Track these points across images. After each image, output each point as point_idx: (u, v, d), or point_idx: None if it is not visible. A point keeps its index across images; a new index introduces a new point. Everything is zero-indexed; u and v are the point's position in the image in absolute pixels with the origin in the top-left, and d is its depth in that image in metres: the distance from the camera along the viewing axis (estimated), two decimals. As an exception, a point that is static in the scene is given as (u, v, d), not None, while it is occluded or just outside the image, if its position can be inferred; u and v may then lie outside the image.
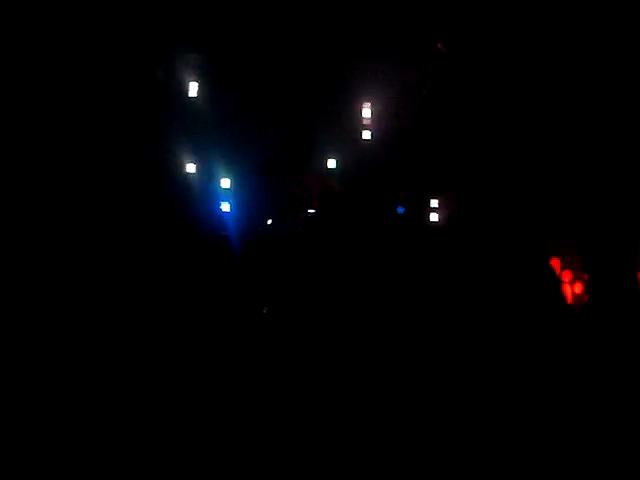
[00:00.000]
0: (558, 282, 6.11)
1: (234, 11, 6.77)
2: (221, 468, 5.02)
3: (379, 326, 6.04)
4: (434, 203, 6.99)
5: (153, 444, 5.16)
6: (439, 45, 6.77)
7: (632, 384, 5.26)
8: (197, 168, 6.85)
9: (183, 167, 6.82)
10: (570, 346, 5.65)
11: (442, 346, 5.71)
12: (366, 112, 6.97)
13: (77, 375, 5.56)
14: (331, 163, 6.94)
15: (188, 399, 5.53)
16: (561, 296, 5.89)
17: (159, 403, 5.42)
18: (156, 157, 6.77)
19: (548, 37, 6.64)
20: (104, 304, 6.08)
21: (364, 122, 6.96)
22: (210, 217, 6.78)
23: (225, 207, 6.81)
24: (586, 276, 6.43)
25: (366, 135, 7.00)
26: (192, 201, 6.77)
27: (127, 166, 6.64)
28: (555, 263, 6.68)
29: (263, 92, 6.95)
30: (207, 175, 6.87)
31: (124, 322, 6.01)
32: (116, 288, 6.22)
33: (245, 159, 6.94)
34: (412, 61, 6.84)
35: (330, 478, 4.96)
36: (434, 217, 6.98)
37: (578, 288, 6.71)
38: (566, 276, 6.75)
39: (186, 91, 6.87)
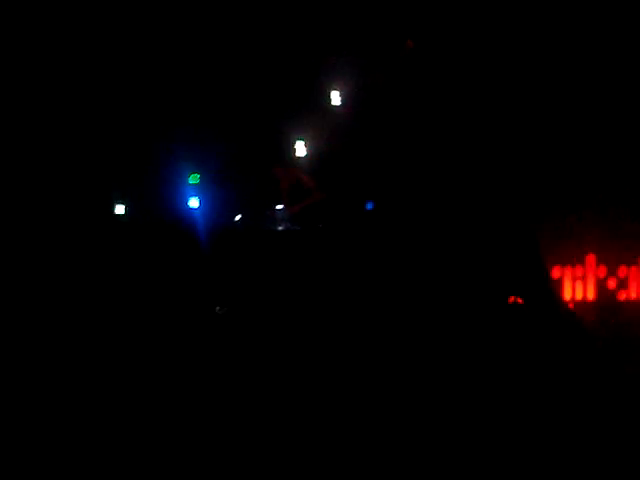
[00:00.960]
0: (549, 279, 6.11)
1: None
2: (217, 467, 5.00)
3: (353, 323, 6.05)
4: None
5: (146, 441, 5.14)
6: (408, 42, 6.76)
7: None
8: (166, 164, 6.76)
9: (151, 163, 6.74)
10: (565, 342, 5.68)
11: (428, 340, 5.72)
12: (335, 102, 6.92)
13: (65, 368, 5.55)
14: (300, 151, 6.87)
15: (160, 394, 5.51)
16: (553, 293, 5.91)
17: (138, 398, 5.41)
18: (125, 152, 6.70)
19: (535, 29, 6.64)
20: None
21: (334, 114, 6.93)
22: (179, 213, 6.71)
23: (193, 203, 6.75)
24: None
25: (333, 129, 6.95)
26: (161, 197, 6.69)
27: (95, 160, 6.58)
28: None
29: (231, 84, 6.90)
30: (176, 171, 6.79)
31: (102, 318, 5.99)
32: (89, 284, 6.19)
33: (213, 154, 6.89)
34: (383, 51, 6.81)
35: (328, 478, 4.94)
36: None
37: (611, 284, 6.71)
38: (601, 272, 6.72)
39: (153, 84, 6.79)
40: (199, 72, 6.87)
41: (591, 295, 6.65)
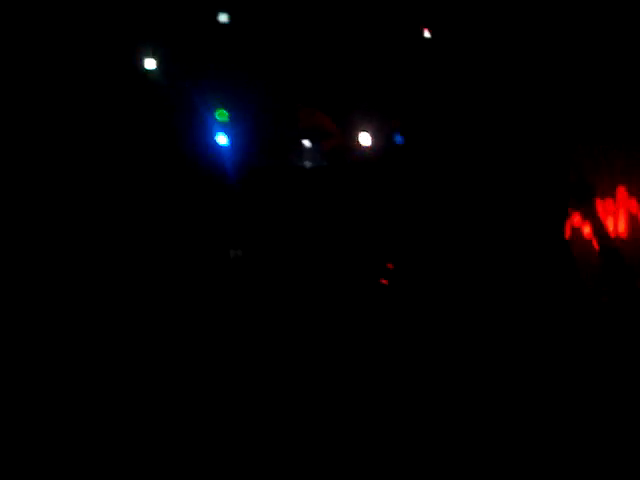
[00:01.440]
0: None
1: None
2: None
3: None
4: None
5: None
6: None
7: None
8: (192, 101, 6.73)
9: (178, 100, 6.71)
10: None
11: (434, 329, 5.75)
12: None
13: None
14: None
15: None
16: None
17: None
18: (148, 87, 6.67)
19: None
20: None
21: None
22: (207, 150, 6.71)
23: (222, 139, 6.73)
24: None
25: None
26: (187, 134, 6.69)
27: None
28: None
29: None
30: (203, 107, 6.76)
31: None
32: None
33: (240, 90, 6.84)
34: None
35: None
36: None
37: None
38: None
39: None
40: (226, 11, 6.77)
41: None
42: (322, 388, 5.49)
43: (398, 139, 6.83)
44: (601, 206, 6.56)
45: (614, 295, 5.66)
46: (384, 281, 6.15)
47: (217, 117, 6.75)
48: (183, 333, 5.90)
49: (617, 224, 6.54)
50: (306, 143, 6.74)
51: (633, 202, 6.59)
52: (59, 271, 6.01)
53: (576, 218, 6.45)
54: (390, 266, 6.19)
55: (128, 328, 5.85)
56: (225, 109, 6.77)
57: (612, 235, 6.28)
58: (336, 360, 5.66)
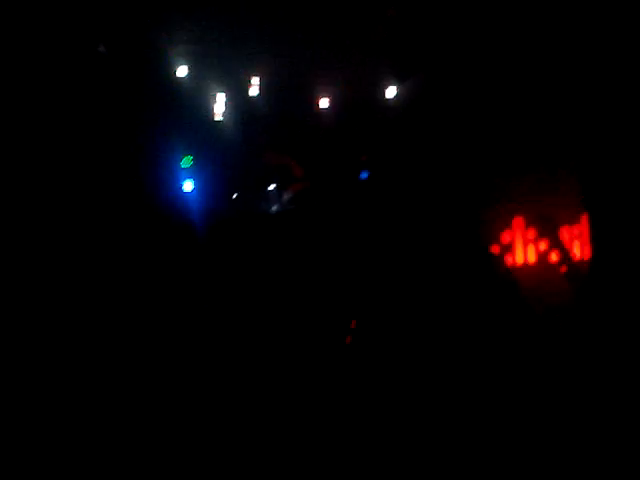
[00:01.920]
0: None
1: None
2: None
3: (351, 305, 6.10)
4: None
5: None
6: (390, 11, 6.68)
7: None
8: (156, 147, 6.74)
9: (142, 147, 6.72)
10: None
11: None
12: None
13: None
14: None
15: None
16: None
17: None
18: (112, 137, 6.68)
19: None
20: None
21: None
22: (172, 197, 6.72)
23: (188, 186, 6.75)
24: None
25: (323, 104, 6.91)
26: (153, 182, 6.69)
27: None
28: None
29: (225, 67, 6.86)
30: (167, 153, 6.78)
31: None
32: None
33: (205, 137, 6.87)
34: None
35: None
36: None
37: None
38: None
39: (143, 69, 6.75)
40: (189, 56, 6.81)
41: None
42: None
43: (363, 175, 6.87)
44: (568, 232, 6.67)
45: (583, 314, 5.82)
46: (348, 340, 6.22)
47: (182, 164, 6.77)
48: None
49: (583, 248, 6.64)
50: (271, 188, 6.77)
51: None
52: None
53: (542, 245, 6.59)
54: (353, 325, 6.27)
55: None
56: (190, 155, 6.80)
57: (578, 259, 6.48)
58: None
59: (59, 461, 5.09)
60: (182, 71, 6.82)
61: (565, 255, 6.51)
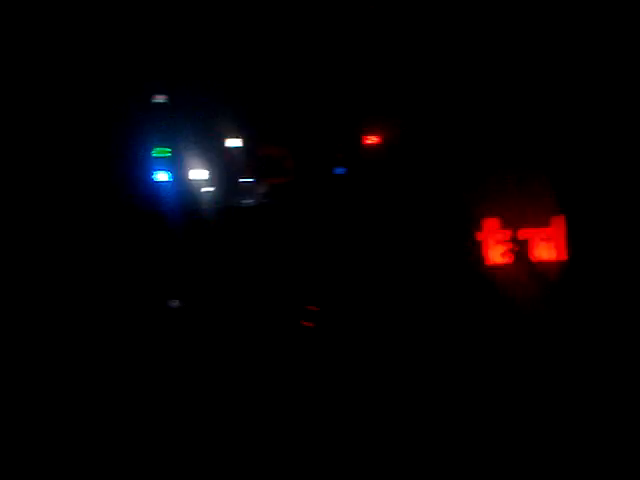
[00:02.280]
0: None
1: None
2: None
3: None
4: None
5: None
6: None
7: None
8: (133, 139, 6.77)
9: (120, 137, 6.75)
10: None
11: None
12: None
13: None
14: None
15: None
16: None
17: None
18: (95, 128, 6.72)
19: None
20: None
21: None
22: (146, 187, 6.74)
23: (162, 176, 6.76)
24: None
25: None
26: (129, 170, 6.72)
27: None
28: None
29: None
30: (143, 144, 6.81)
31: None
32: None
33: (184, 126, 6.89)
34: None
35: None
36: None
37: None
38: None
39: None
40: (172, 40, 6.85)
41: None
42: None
43: (339, 170, 6.88)
44: (537, 234, 6.66)
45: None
46: (307, 323, 6.23)
47: (157, 154, 6.80)
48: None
49: (553, 251, 6.61)
50: (244, 181, 6.78)
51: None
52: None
53: (512, 245, 6.58)
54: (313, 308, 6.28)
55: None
56: (167, 146, 6.82)
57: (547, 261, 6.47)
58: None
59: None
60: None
61: (532, 257, 6.47)
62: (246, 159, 6.87)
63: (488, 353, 5.97)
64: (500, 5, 6.52)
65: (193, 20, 6.86)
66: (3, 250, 6.20)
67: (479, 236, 6.63)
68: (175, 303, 6.37)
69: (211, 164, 6.91)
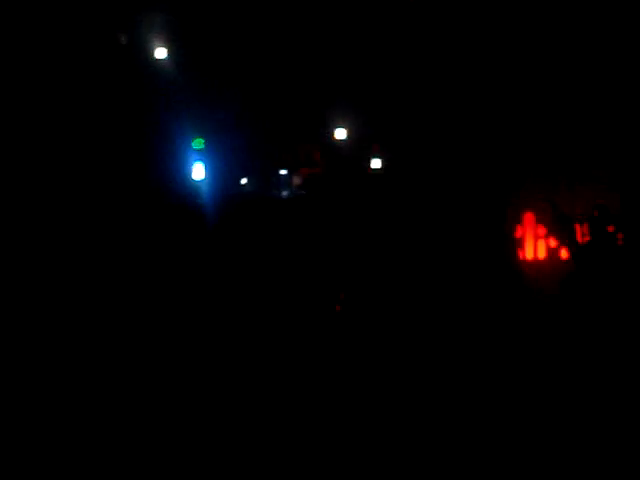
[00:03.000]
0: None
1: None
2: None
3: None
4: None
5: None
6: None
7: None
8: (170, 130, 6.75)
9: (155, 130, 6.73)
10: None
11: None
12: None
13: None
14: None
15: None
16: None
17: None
18: (129, 122, 6.70)
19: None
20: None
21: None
22: (184, 179, 6.73)
23: (199, 169, 6.75)
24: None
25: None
26: (164, 165, 6.70)
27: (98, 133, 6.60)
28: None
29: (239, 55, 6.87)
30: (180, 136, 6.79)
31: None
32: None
33: (218, 119, 6.87)
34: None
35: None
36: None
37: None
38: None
39: (153, 52, 6.76)
40: (204, 39, 6.82)
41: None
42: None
43: (375, 164, 6.87)
44: (579, 229, 6.65)
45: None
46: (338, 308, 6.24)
47: (194, 146, 6.78)
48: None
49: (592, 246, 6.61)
50: (283, 172, 6.76)
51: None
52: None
53: (552, 241, 6.57)
54: (342, 296, 6.29)
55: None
56: (202, 137, 6.80)
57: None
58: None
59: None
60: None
61: (576, 251, 6.45)
62: (281, 153, 6.87)
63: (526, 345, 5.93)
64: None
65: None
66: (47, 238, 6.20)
67: (518, 231, 6.62)
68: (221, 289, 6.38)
69: (248, 157, 6.91)
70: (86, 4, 6.44)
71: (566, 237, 6.47)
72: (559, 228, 6.47)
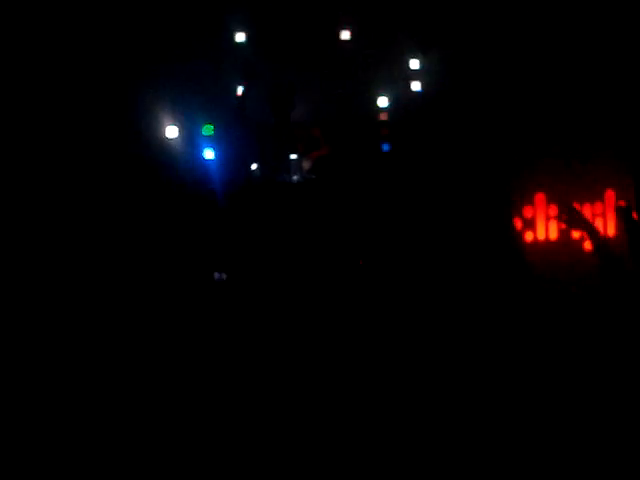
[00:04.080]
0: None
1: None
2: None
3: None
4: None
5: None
6: None
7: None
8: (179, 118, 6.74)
9: (165, 118, 6.72)
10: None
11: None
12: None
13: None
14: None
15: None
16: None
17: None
18: (138, 107, 6.69)
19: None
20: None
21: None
22: (194, 165, 6.72)
23: (209, 154, 6.74)
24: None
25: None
26: (176, 152, 6.69)
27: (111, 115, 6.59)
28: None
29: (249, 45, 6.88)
30: (190, 122, 6.78)
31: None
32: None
33: (226, 104, 6.87)
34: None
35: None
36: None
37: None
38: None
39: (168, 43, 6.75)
40: (215, 27, 6.82)
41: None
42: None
43: (385, 147, 6.86)
44: (590, 209, 6.65)
45: (611, 288, 5.71)
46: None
47: (203, 132, 6.77)
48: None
49: (606, 225, 6.61)
50: (293, 157, 6.75)
51: (621, 204, 6.63)
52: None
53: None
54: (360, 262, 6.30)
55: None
56: (211, 124, 6.79)
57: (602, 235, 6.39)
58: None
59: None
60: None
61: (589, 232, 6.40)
62: (289, 136, 6.86)
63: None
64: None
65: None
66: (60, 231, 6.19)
67: (529, 211, 6.62)
68: (223, 276, 6.37)
69: (258, 141, 6.90)
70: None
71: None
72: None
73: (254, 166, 6.84)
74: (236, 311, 6.14)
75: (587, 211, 6.60)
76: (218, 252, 6.43)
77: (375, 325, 5.87)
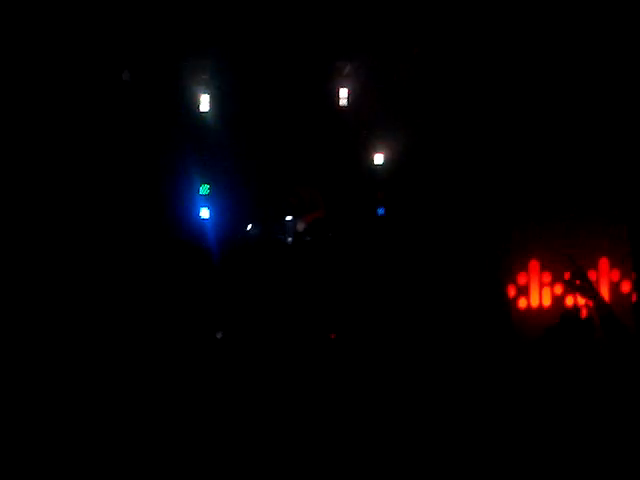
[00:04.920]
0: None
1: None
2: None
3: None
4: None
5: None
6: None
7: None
8: (176, 174, 6.80)
9: (163, 173, 6.78)
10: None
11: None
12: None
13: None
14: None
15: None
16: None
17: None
18: (136, 163, 6.75)
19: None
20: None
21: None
22: (189, 223, 6.76)
23: (204, 213, 6.78)
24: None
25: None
26: (171, 207, 6.74)
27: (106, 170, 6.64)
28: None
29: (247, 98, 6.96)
30: (186, 181, 6.84)
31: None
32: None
33: (223, 165, 6.93)
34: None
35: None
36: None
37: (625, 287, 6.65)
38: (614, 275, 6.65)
39: (164, 97, 6.84)
40: (208, 83, 6.91)
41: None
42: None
43: (380, 211, 6.90)
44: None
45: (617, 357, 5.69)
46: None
47: (200, 191, 6.83)
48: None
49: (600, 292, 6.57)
50: (288, 218, 6.78)
51: (615, 272, 6.62)
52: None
53: (557, 288, 6.55)
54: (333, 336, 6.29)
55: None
56: (208, 183, 6.85)
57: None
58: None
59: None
60: (204, 102, 6.90)
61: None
62: (284, 199, 6.91)
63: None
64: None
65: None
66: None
67: (522, 278, 6.60)
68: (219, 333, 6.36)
69: (254, 203, 6.95)
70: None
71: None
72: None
73: (249, 226, 6.86)
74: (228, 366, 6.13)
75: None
76: (211, 311, 6.43)
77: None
